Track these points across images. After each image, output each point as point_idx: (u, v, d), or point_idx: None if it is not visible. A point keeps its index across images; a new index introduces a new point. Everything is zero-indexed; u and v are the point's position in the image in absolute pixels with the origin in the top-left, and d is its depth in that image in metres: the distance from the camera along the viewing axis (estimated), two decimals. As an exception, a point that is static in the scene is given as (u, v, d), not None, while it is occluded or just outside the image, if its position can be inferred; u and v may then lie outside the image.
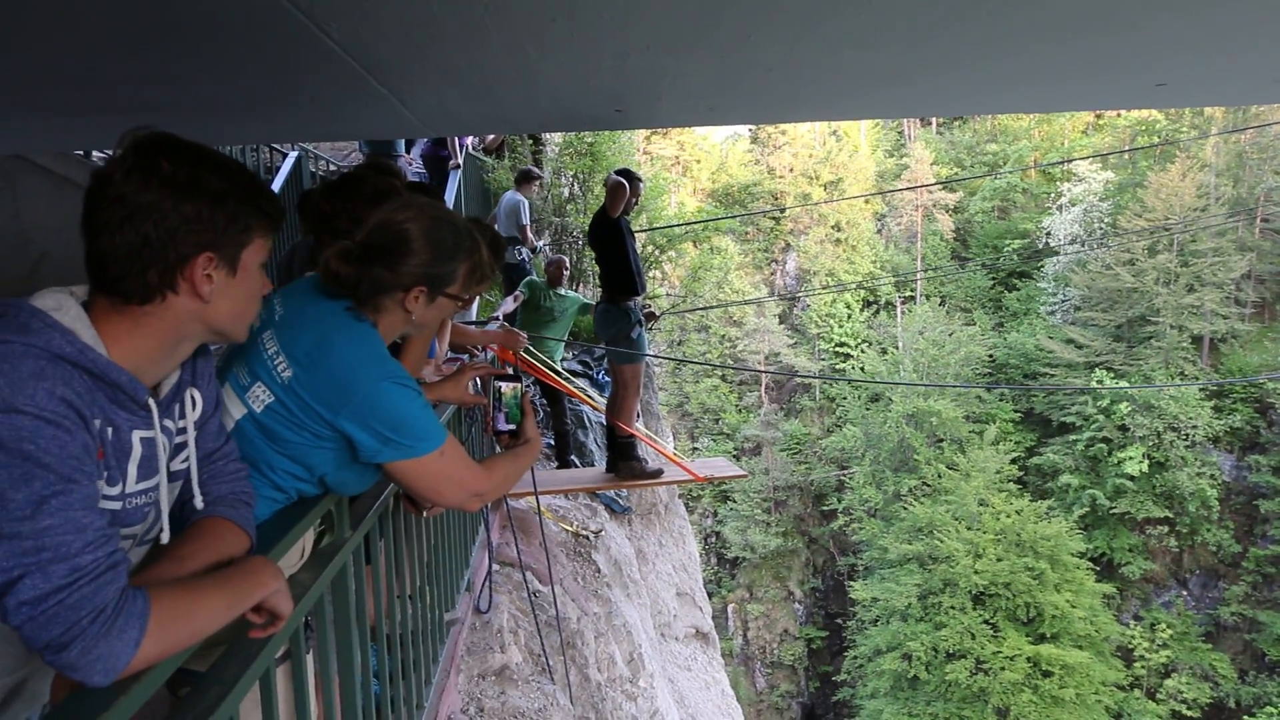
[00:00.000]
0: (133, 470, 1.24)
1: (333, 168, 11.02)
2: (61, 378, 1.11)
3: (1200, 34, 2.68)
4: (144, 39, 2.46)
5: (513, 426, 2.18)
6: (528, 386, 7.34)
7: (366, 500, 2.01)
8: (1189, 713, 29.61)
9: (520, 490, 4.43)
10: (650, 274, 11.61)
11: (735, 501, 39.11)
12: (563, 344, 7.19)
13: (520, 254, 8.81)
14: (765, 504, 39.28)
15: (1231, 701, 29.61)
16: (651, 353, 5.81)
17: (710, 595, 35.82)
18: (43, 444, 1.05)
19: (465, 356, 4.06)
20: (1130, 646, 30.82)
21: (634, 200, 5.70)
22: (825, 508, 39.31)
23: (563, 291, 7.03)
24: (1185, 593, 32.51)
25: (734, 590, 38.88)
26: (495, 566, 4.21)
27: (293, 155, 9.18)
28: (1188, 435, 31.86)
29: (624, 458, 5.81)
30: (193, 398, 1.40)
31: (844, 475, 38.85)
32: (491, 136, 10.73)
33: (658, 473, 5.94)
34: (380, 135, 7.66)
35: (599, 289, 7.37)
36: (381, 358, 1.72)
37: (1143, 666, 30.44)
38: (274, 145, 10.28)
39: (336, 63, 2.83)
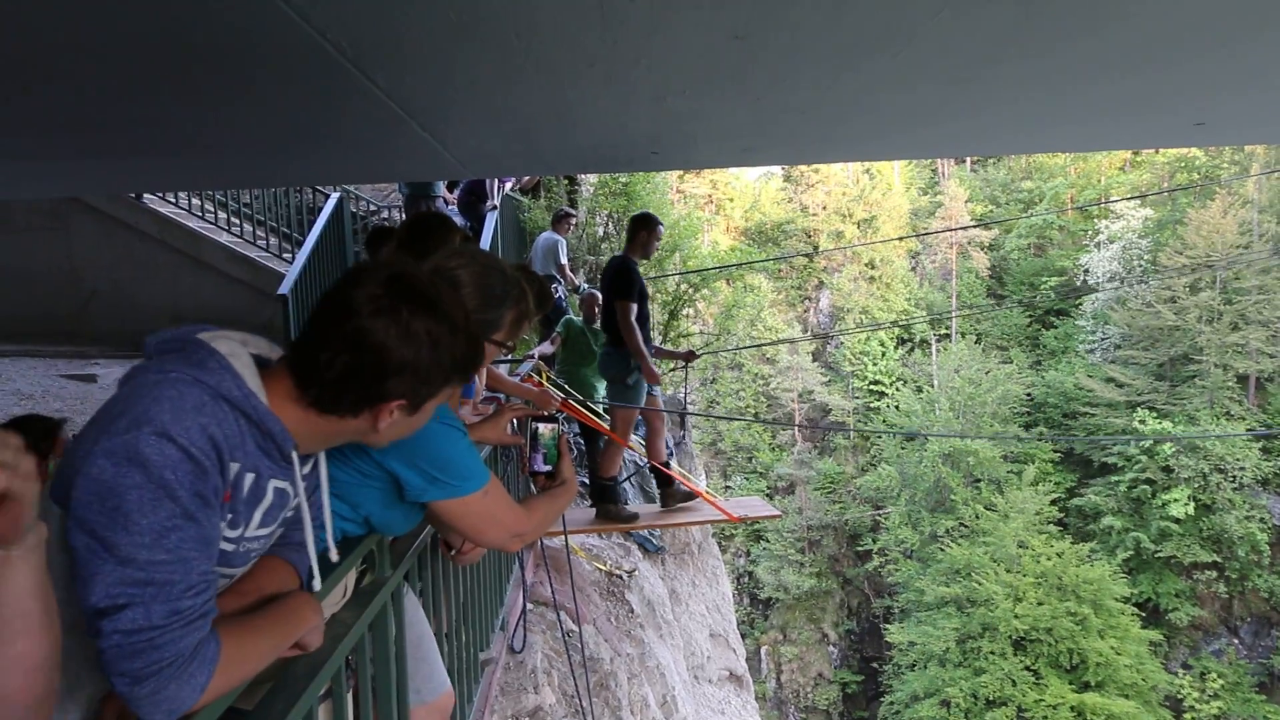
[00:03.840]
0: (258, 516, 1.30)
1: (373, 208, 11.25)
2: (218, 417, 1.17)
3: (1237, 74, 2.67)
4: (194, 84, 2.55)
5: (550, 468, 2.19)
6: (564, 426, 7.36)
7: (406, 540, 2.03)
8: (1243, 767, 28.49)
9: (553, 530, 4.43)
10: (684, 313, 11.63)
11: (768, 541, 38.62)
12: (602, 382, 7.17)
13: (557, 291, 8.90)
14: (799, 544, 38.74)
15: (1288, 756, 28.43)
16: (662, 406, 5.85)
17: (743, 636, 35.25)
18: (181, 476, 1.10)
19: (502, 397, 4.10)
20: (1179, 696, 29.73)
21: (654, 245, 5.73)
22: (860, 548, 38.68)
23: (599, 328, 7.04)
24: (1236, 641, 31.38)
25: (767, 632, 38.24)
26: (529, 606, 4.19)
27: (335, 196, 9.40)
28: (1235, 477, 30.98)
29: (601, 500, 5.83)
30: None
31: (879, 515, 38.25)
32: (528, 178, 10.89)
33: (633, 517, 5.94)
34: (420, 177, 7.81)
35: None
36: None
37: (1192, 717, 29.35)
38: (317, 187, 10.54)
39: (380, 107, 2.91)
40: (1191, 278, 34.07)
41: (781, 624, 38.13)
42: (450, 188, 9.98)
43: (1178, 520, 30.91)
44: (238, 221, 10.10)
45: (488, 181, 9.31)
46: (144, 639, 1.05)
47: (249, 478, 1.24)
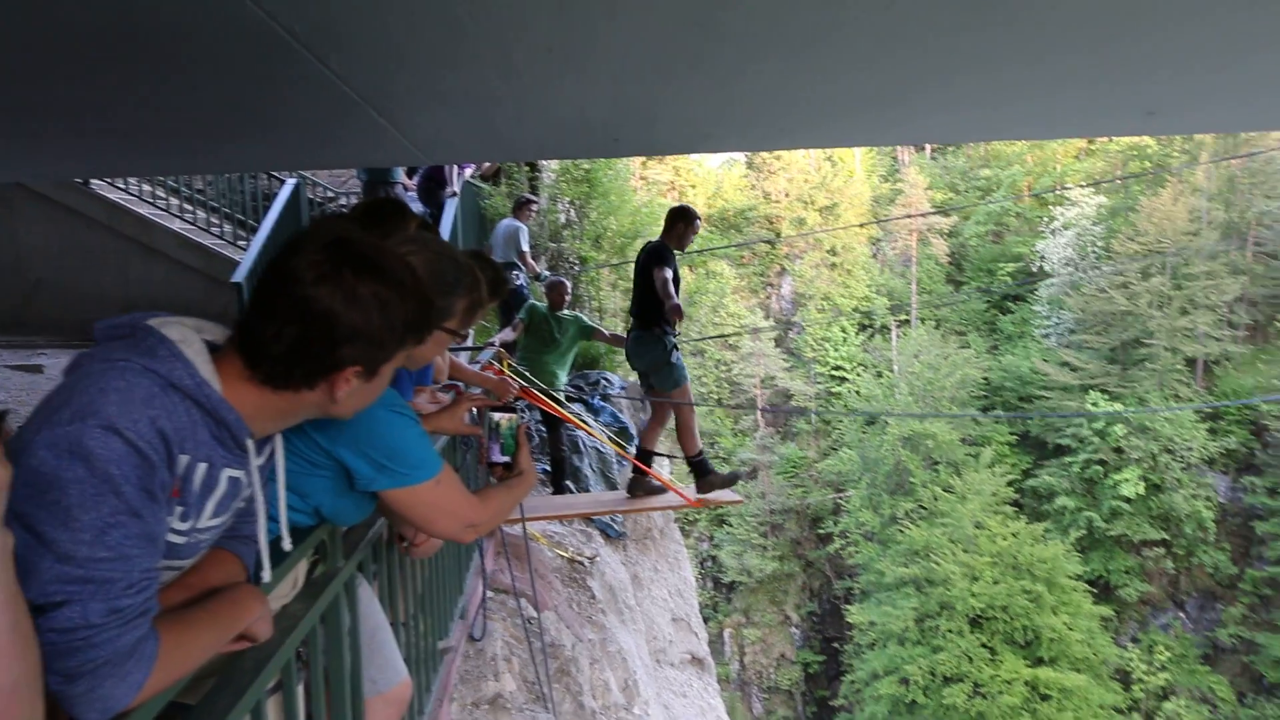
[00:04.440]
0: (210, 507, 1.26)
1: (331, 195, 11.08)
2: (167, 408, 1.14)
3: (1187, 65, 2.73)
4: (143, 69, 2.48)
5: (508, 458, 2.18)
6: (523, 414, 7.33)
7: (360, 530, 2.01)
8: (1188, 737, 29.44)
9: (512, 517, 4.42)
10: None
11: (732, 525, 38.96)
12: (564, 369, 7.15)
13: (518, 279, 8.84)
14: (761, 528, 39.14)
15: (1231, 726, 29.43)
16: (691, 400, 5.85)
17: (707, 620, 35.61)
18: (126, 471, 1.06)
19: (461, 385, 4.07)
20: (1128, 669, 30.63)
21: (690, 237, 5.77)
22: (821, 531, 39.17)
23: (563, 315, 7.00)
24: (1183, 615, 32.37)
25: (730, 615, 38.63)
26: (490, 593, 4.19)
27: (291, 183, 9.23)
28: (1183, 457, 31.88)
29: (701, 474, 5.88)
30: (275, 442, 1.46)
31: (840, 498, 38.75)
32: (488, 164, 10.80)
33: (737, 478, 6.09)
34: (379, 163, 7.71)
35: (625, 316, 7.40)
36: None
37: (1141, 689, 30.24)
38: (273, 173, 10.35)
39: (334, 92, 2.86)
40: (1143, 264, 34.86)
41: (745, 607, 38.55)
42: (410, 174, 9.86)
43: (1128, 499, 31.76)
44: (190, 208, 9.88)
45: (447, 168, 9.20)
46: (80, 638, 1.02)
47: (201, 468, 1.21)
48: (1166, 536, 31.94)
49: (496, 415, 2.27)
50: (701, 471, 5.90)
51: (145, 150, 4.34)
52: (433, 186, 9.32)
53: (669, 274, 5.48)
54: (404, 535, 2.31)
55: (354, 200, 10.96)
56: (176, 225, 9.44)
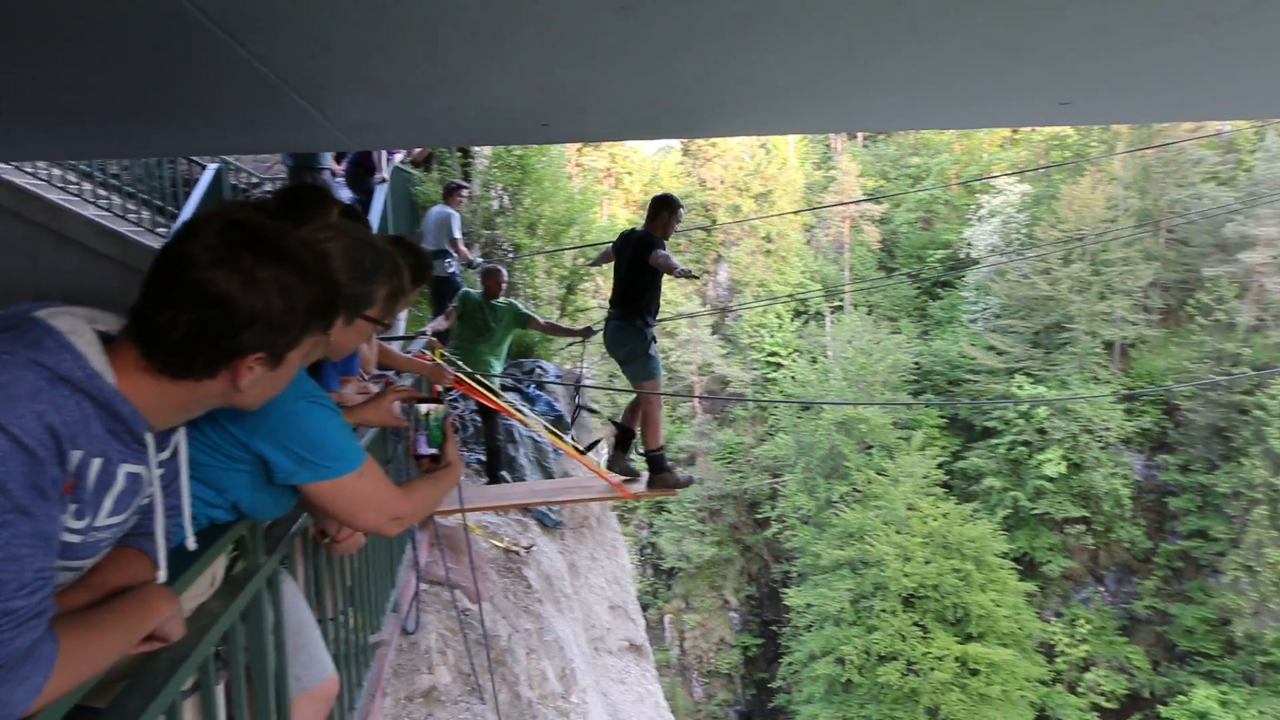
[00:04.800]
0: (108, 504, 1.21)
1: (255, 180, 10.76)
2: (56, 403, 1.08)
3: (1098, 60, 2.82)
4: (44, 47, 2.37)
5: (435, 450, 2.15)
6: (454, 403, 7.24)
7: (283, 524, 1.96)
8: (1107, 704, 30.75)
9: (448, 508, 4.38)
10: (582, 287, 11.61)
11: (670, 512, 39.21)
12: (499, 358, 7.05)
13: (450, 266, 8.72)
14: (700, 514, 39.48)
15: (1146, 692, 30.84)
16: (671, 391, 5.84)
17: (647, 607, 35.94)
18: (13, 469, 1.01)
19: (391, 373, 4.00)
20: (1052, 643, 31.85)
21: (673, 226, 5.81)
22: (759, 516, 39.70)
23: (498, 303, 6.91)
24: (1102, 589, 33.79)
25: (670, 601, 38.94)
26: (423, 586, 4.14)
27: (212, 168, 8.94)
28: (1101, 437, 33.19)
29: (657, 470, 5.87)
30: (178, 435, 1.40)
31: (777, 483, 39.31)
32: (419, 150, 10.61)
33: (688, 482, 6.13)
34: (303, 148, 7.51)
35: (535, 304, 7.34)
36: (298, 377, 1.67)
37: (1064, 661, 31.48)
38: (192, 158, 10.00)
39: (253, 74, 2.77)
40: (1064, 250, 36.07)
41: (684, 593, 38.90)
42: (338, 160, 9.63)
43: (1051, 479, 32.97)
44: (105, 194, 9.48)
45: (376, 154, 9.01)
46: None
47: (95, 464, 1.15)
48: (1087, 514, 33.26)
49: (424, 406, 2.24)
50: (657, 467, 5.90)
51: (50, 133, 4.15)
52: (361, 173, 9.12)
53: (666, 252, 5.51)
54: (326, 531, 2.26)
55: (280, 186, 10.66)
56: (90, 212, 9.05)
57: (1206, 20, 2.28)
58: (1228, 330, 33.06)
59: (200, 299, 1.19)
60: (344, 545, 2.35)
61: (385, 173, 9.05)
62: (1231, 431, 30.98)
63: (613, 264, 6.08)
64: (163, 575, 1.35)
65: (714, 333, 44.67)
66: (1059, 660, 31.48)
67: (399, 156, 9.92)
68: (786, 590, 35.30)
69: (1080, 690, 31.09)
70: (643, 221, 5.98)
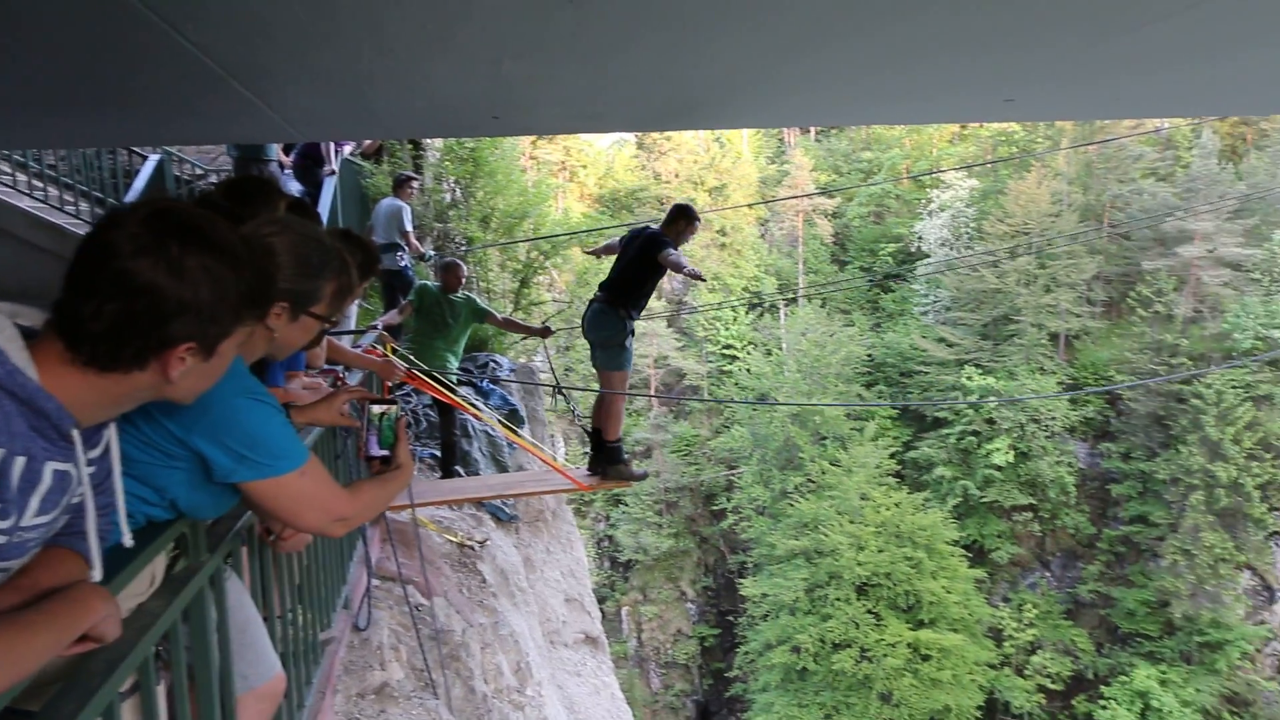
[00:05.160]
0: (34, 503, 1.17)
1: (199, 172, 10.51)
2: None
3: (1037, 58, 2.89)
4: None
5: (386, 452, 2.12)
6: (406, 398, 7.17)
7: (227, 521, 1.93)
8: (1053, 686, 31.62)
9: (400, 503, 4.34)
10: (536, 280, 11.56)
11: (627, 505, 39.30)
12: (456, 354, 6.96)
13: (401, 260, 8.62)
14: (656, 506, 39.62)
15: (1090, 673, 31.77)
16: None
17: (604, 599, 36.00)
18: None
19: (339, 369, 3.95)
20: (1000, 627, 32.63)
21: (689, 235, 5.83)
22: (715, 507, 39.97)
23: (456, 298, 6.81)
24: (1048, 574, 34.70)
25: (627, 593, 39.05)
26: (375, 582, 4.10)
27: (154, 158, 8.72)
28: (1047, 426, 34.05)
29: (612, 461, 5.89)
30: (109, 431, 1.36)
31: (733, 475, 39.60)
32: (369, 141, 10.46)
33: (643, 476, 6.19)
34: (248, 139, 7.36)
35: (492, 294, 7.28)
36: (239, 374, 1.65)
37: (1012, 645, 32.28)
38: (134, 148, 9.73)
39: (194, 64, 2.71)
40: (1011, 244, 36.87)
41: (641, 584, 39.03)
42: (286, 151, 9.45)
43: (999, 468, 33.76)
44: (42, 185, 9.18)
45: (324, 145, 8.86)
46: None
47: (19, 463, 1.12)
48: (1034, 501, 34.12)
49: (377, 407, 2.21)
50: (613, 459, 5.92)
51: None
52: (309, 164, 8.96)
53: (677, 253, 5.56)
54: (270, 529, 2.22)
55: (225, 177, 10.44)
56: (25, 203, 8.75)
57: (1136, 22, 2.35)
58: (1166, 322, 34.09)
59: (125, 288, 1.16)
60: (289, 544, 2.31)
61: (334, 165, 8.90)
62: (1170, 420, 31.99)
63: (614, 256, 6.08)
64: (97, 574, 1.31)
65: (669, 326, 44.79)
66: (1007, 644, 32.27)
67: (348, 149, 9.77)
68: (743, 581, 35.63)
69: (1027, 673, 31.91)
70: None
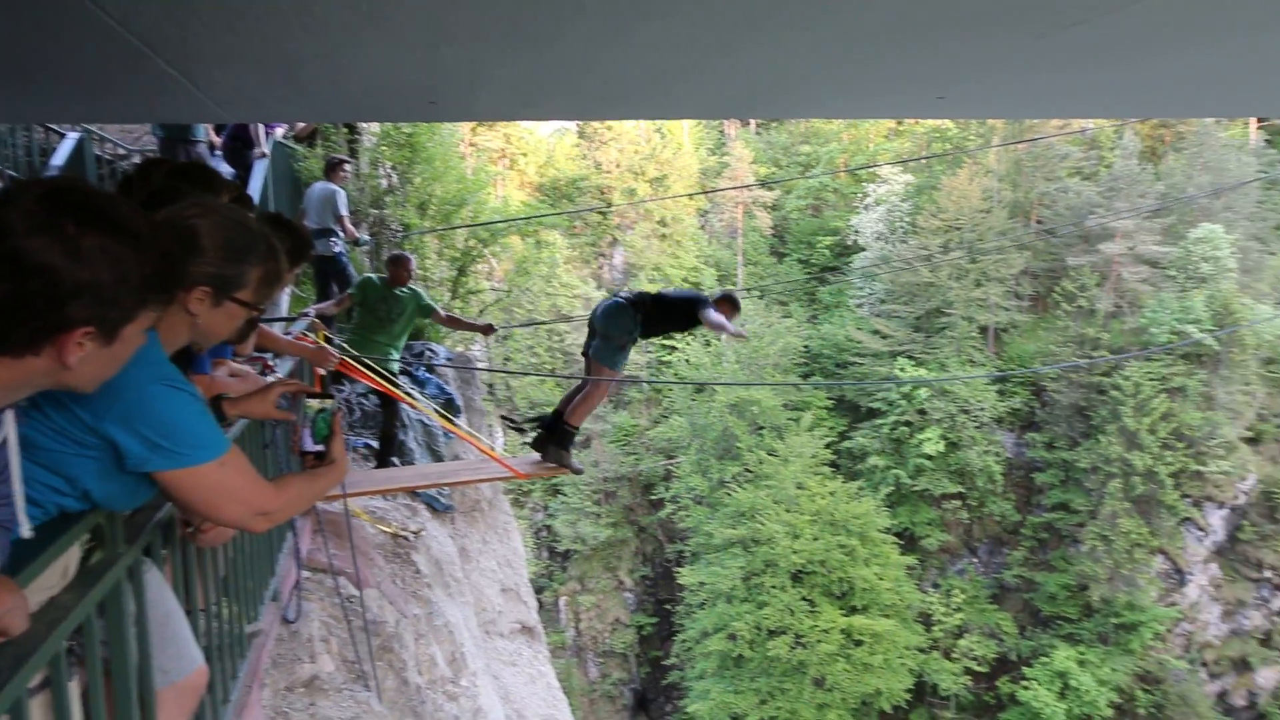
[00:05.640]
0: None
1: (122, 152, 10.12)
2: None
3: (970, 58, 2.97)
4: None
5: (320, 447, 2.07)
6: (339, 387, 7.04)
7: (146, 512, 1.87)
8: (979, 668, 32.69)
9: (333, 493, 4.27)
10: (474, 269, 11.44)
11: (566, 495, 39.27)
12: (398, 348, 6.79)
13: (335, 245, 8.44)
14: (595, 496, 39.67)
15: (1014, 655, 32.93)
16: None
17: (542, 589, 35.95)
18: None
19: (269, 356, 3.86)
20: (930, 612, 33.59)
21: (733, 317, 5.97)
22: (653, 497, 40.19)
23: (401, 292, 6.57)
24: (975, 560, 35.83)
25: (566, 583, 39.07)
26: (306, 574, 4.03)
27: (73, 137, 8.33)
28: (976, 417, 35.07)
29: (560, 445, 5.90)
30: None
31: (671, 465, 39.83)
32: (302, 124, 10.20)
33: (580, 470, 6.29)
34: (174, 119, 7.12)
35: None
36: (155, 360, 1.59)
37: (940, 629, 33.25)
38: (51, 126, 9.31)
39: (112, 37, 2.61)
40: (944, 239, 37.79)
41: (580, 574, 39.07)
42: (217, 132, 9.15)
43: (930, 457, 34.67)
44: (-52, 162, 8.74)
45: (254, 127, 8.61)
46: None
47: None
48: (962, 490, 35.15)
49: (312, 401, 2.16)
50: (562, 443, 5.91)
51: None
52: (240, 146, 8.69)
53: (721, 317, 5.73)
54: (190, 521, 2.15)
55: (146, 159, 10.05)
56: (-68, 182, 8.34)
57: (1058, 26, 2.43)
58: (1089, 316, 35.36)
59: (17, 268, 1.12)
60: (208, 538, 2.23)
61: (265, 148, 8.66)
62: (1091, 411, 33.24)
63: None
64: None
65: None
66: (936, 628, 33.22)
67: (280, 131, 9.52)
68: (680, 569, 35.95)
69: (955, 656, 32.91)
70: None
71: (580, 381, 6.13)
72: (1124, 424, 31.49)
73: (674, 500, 38.53)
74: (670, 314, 5.91)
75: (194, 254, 1.71)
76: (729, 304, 6.03)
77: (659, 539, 40.27)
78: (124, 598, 1.69)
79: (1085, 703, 29.85)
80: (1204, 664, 31.86)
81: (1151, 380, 31.66)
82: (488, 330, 6.84)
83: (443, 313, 7.02)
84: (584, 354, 6.09)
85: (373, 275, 6.84)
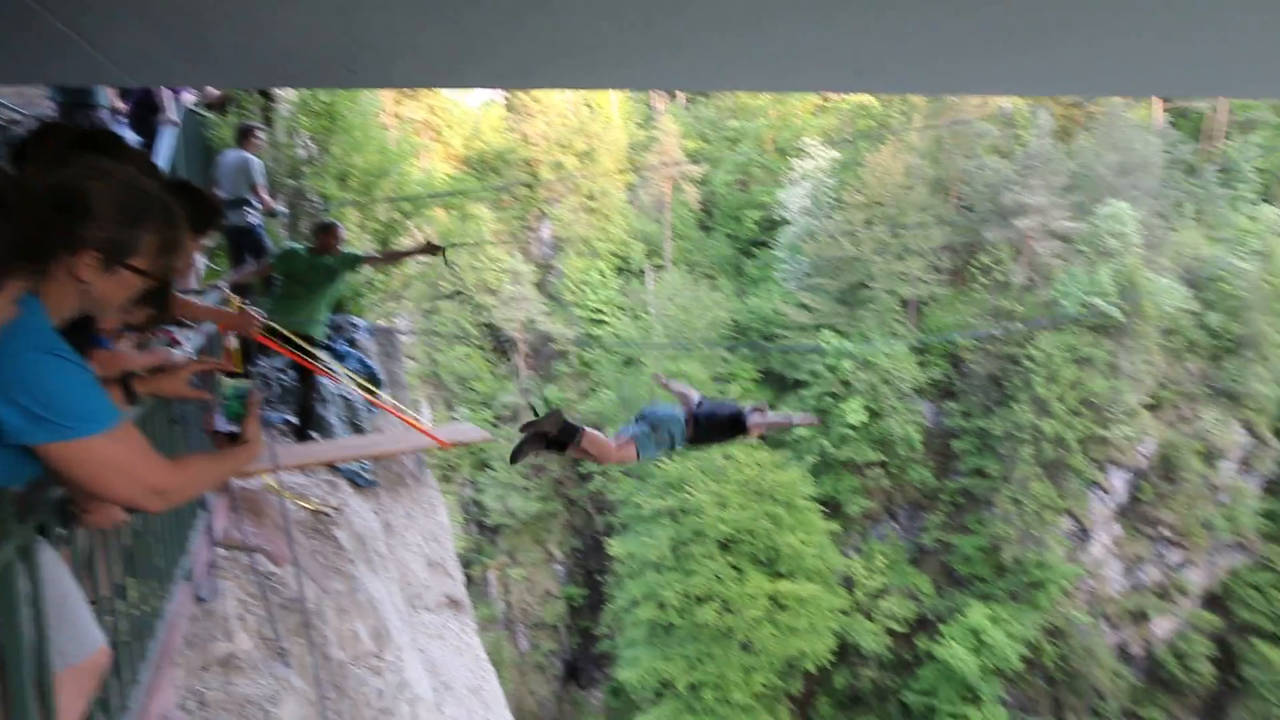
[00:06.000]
0: None
1: (14, 117, 9.56)
2: None
3: (888, 30, 3.02)
4: None
5: (234, 428, 2.01)
6: (256, 361, 6.84)
7: (41, 488, 1.81)
8: (899, 628, 33.93)
9: (250, 469, 4.17)
10: (396, 242, 11.19)
11: (495, 469, 39.08)
12: (324, 321, 6.58)
13: (250, 216, 8.16)
14: (524, 470, 39.56)
15: (931, 614, 34.25)
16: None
17: (470, 564, 35.82)
18: None
19: (174, 330, 3.73)
20: (852, 575, 34.66)
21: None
22: (582, 470, 40.29)
23: (329, 260, 6.34)
24: (896, 525, 37.06)
25: (495, 557, 39.02)
26: (221, 551, 3.94)
27: (-42, 98, 7.85)
28: (898, 387, 36.10)
29: (548, 449, 5.62)
30: None
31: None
32: (214, 91, 9.78)
33: (513, 459, 6.01)
34: (70, 81, 6.77)
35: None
36: (35, 328, 1.51)
37: (862, 592, 34.36)
38: (-67, 84, 8.74)
39: (-4, -8, 2.47)
40: (867, 214, 38.56)
41: (510, 548, 39.06)
42: (123, 97, 8.71)
43: (854, 426, 35.57)
44: None
45: (157, 91, 8.22)
46: None
47: None
48: (884, 458, 36.22)
49: (229, 380, 2.10)
50: (549, 448, 5.68)
51: None
52: (145, 113, 8.30)
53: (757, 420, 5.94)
54: (77, 500, 2.04)
55: (42, 123, 9.51)
56: None
57: (970, 4, 2.49)
58: (1004, 289, 36.60)
59: None
60: (96, 517, 2.11)
61: (174, 114, 8.28)
62: (1005, 380, 34.52)
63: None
64: None
65: (538, 289, 44.46)
66: (858, 591, 34.31)
67: (188, 97, 9.12)
68: (610, 541, 36.24)
69: (876, 617, 34.07)
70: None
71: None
72: (1036, 392, 32.81)
73: (603, 473, 38.70)
74: (720, 434, 6.03)
75: (83, 218, 1.64)
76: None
77: (588, 511, 40.45)
78: (14, 578, 1.63)
79: (997, 657, 31.28)
80: (1105, 616, 33.68)
81: (1061, 351, 33.00)
82: (433, 249, 6.64)
83: (377, 253, 6.77)
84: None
85: (296, 245, 6.64)
